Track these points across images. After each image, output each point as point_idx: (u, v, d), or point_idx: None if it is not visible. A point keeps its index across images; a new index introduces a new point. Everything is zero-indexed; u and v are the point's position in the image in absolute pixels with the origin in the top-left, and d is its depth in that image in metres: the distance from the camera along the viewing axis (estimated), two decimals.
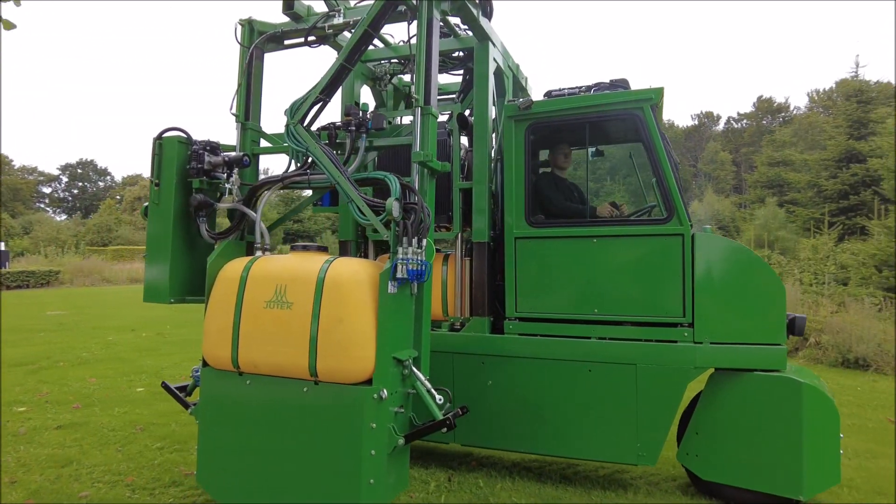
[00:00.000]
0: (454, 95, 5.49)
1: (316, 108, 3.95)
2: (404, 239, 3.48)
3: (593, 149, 4.97)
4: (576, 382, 4.26)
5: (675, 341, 4.07)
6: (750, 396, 3.93)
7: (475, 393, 4.50)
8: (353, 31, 4.07)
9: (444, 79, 5.62)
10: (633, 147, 4.95)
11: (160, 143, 4.11)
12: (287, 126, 3.89)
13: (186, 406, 4.07)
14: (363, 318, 3.41)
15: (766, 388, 3.90)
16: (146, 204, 4.17)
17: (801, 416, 3.77)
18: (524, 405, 4.40)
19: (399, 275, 3.44)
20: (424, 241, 3.51)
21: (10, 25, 3.70)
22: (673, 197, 4.06)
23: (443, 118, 4.89)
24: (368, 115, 3.94)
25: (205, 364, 3.86)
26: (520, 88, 5.50)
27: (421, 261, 3.51)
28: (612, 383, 4.18)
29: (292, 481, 3.49)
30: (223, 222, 4.34)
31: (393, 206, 3.47)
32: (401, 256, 3.46)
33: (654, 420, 4.09)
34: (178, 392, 4.14)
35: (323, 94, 3.87)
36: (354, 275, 3.49)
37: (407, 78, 5.54)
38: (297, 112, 3.86)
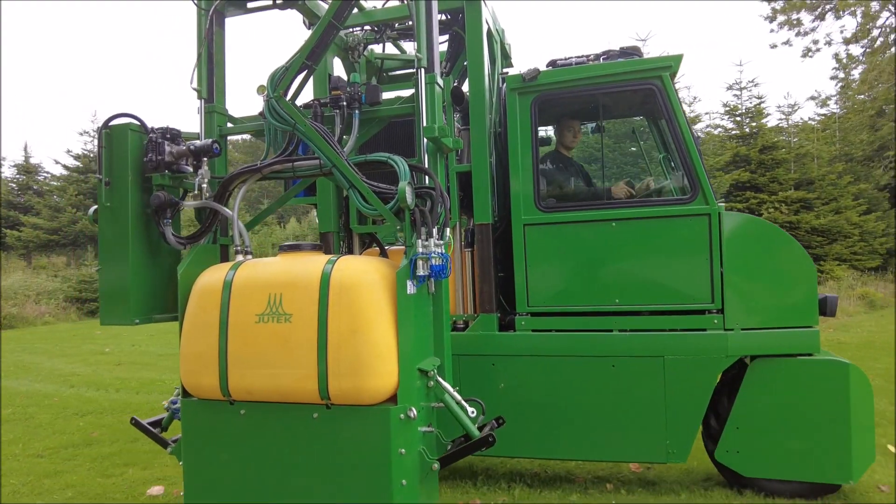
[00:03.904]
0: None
1: (300, 78, 3.36)
2: (423, 230, 2.98)
3: (593, 124, 4.62)
4: (598, 380, 3.91)
5: (704, 329, 3.78)
6: (795, 384, 3.66)
7: (485, 398, 4.03)
8: None
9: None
10: (635, 122, 4.63)
11: (108, 132, 3.40)
12: (268, 101, 3.29)
13: (164, 444, 3.43)
14: (381, 326, 2.90)
15: (812, 373, 3.65)
16: (95, 207, 3.45)
17: (849, 399, 3.56)
18: (541, 408, 4.01)
19: (420, 272, 2.95)
20: (447, 232, 3.03)
21: None
22: (698, 174, 3.75)
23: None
24: (360, 88, 3.39)
25: (185, 394, 3.23)
26: (504, 57, 5.03)
27: (442, 254, 3.03)
28: (638, 378, 3.85)
29: None
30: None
31: (406, 191, 2.96)
32: (420, 250, 2.96)
33: (684, 415, 3.79)
34: (151, 428, 3.48)
35: (309, 59, 3.29)
36: (365, 275, 2.97)
37: (378, 49, 4.98)
38: (279, 83, 3.26)
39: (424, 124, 3.22)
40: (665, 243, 3.82)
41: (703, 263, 3.76)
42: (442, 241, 3.01)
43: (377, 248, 4.42)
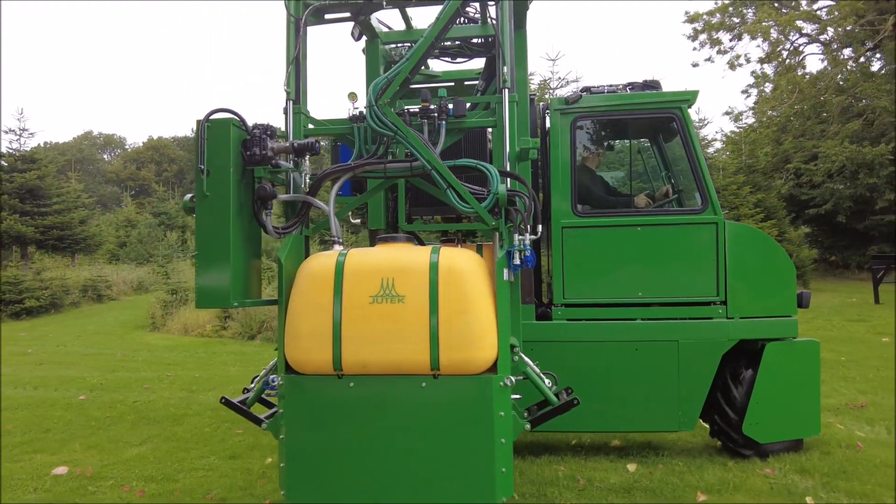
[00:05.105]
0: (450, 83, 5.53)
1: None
2: (519, 226, 3.49)
3: (605, 143, 5.32)
4: (624, 361, 4.57)
5: (711, 318, 4.54)
6: (793, 361, 4.54)
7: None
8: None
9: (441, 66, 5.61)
10: (642, 144, 5.37)
11: (209, 126, 3.63)
12: (370, 108, 3.67)
13: (258, 422, 3.66)
14: (486, 307, 3.37)
15: (803, 351, 4.56)
16: (190, 195, 3.65)
17: (818, 369, 4.52)
18: (574, 387, 4.57)
19: (516, 261, 3.45)
20: (539, 227, 3.56)
21: None
22: (708, 189, 4.53)
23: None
24: (446, 102, 3.85)
25: (288, 370, 3.51)
26: None
27: (530, 247, 3.55)
28: (656, 359, 4.55)
29: (416, 479, 3.34)
30: None
31: (504, 193, 3.47)
32: (517, 244, 3.47)
33: (693, 390, 4.54)
34: (242, 406, 3.70)
35: (410, 74, 3.71)
36: (469, 263, 3.43)
37: None
38: (384, 92, 3.66)
39: (507, 137, 3.73)
40: (680, 246, 4.57)
41: (710, 263, 4.53)
42: (534, 236, 3.53)
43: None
